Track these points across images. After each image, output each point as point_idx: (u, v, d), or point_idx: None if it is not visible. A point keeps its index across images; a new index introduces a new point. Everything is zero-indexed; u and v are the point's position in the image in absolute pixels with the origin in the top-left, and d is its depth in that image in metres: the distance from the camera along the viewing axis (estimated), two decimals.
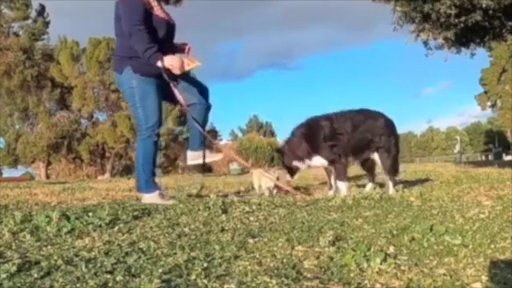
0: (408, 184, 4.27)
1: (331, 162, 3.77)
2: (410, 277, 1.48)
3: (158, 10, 3.29)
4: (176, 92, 3.35)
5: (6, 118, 28.17)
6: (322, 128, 3.76)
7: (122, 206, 2.85)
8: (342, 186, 3.69)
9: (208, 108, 3.56)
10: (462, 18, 6.35)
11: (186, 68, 3.30)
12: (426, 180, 5.13)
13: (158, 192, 3.35)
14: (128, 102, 3.52)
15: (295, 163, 3.89)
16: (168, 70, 3.24)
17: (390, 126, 3.89)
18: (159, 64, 3.18)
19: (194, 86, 3.51)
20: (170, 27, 3.42)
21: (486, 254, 1.71)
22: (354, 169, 4.38)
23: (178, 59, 3.26)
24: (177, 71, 3.25)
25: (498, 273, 1.50)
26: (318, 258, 1.68)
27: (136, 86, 3.29)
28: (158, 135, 3.38)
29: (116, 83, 3.57)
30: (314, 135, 3.78)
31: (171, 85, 3.32)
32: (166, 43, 3.35)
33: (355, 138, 3.76)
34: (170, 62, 3.21)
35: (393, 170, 3.83)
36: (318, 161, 3.80)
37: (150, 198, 3.29)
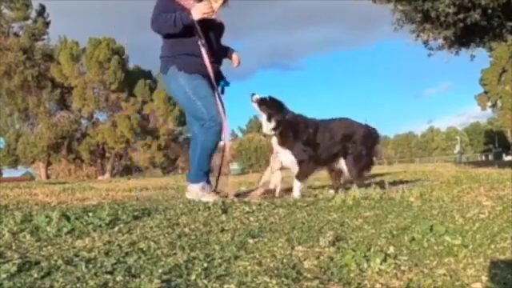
0: (408, 184, 4.26)
1: (298, 162, 3.68)
2: (410, 277, 1.48)
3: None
4: (203, 51, 3.30)
5: (6, 118, 28.22)
6: (307, 127, 3.67)
7: (122, 206, 2.85)
8: (296, 187, 3.61)
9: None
10: (461, 16, 6.35)
11: (216, 5, 3.29)
12: (426, 180, 5.12)
13: (201, 184, 3.34)
14: (180, 102, 3.48)
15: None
16: (202, 22, 3.20)
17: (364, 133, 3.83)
18: (189, 20, 3.14)
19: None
20: (215, 25, 3.42)
21: (486, 254, 1.70)
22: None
23: (204, 3, 3.22)
24: (211, 14, 3.24)
25: (498, 273, 1.50)
26: (318, 258, 1.68)
27: (184, 82, 3.28)
28: (220, 125, 3.29)
29: (164, 85, 3.52)
30: (296, 130, 3.67)
31: (199, 43, 3.28)
32: (212, 41, 3.36)
33: (327, 147, 3.71)
34: (198, 10, 3.15)
35: (359, 173, 3.81)
36: (287, 156, 3.67)
37: (192, 189, 3.33)
